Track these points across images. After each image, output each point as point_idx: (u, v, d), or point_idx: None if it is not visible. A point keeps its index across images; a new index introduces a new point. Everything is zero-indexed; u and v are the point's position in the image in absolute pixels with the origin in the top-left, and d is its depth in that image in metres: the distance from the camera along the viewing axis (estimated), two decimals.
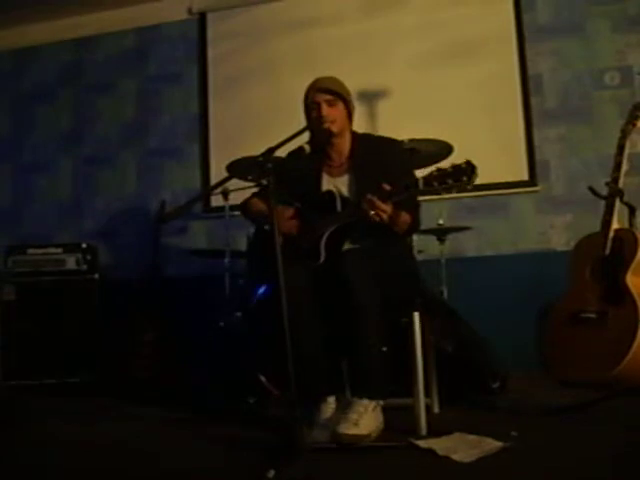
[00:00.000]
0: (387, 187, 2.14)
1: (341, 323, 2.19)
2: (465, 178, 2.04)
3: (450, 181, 2.06)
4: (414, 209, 2.35)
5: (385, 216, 2.16)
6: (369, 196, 2.16)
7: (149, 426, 2.55)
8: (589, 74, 3.95)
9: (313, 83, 2.48)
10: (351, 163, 2.48)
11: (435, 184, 2.09)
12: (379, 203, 2.14)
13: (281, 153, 2.19)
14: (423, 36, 4.17)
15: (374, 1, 4.29)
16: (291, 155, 2.48)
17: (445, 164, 2.11)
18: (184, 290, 4.11)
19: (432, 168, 2.13)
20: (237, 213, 3.57)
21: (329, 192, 2.42)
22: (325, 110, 2.40)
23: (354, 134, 2.54)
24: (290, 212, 2.45)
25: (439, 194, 2.12)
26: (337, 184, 2.46)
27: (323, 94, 2.42)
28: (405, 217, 2.29)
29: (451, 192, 2.11)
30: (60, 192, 4.74)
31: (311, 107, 2.45)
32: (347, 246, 2.35)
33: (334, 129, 2.43)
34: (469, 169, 2.04)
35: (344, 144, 2.51)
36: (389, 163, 2.39)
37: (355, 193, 2.40)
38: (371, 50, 4.20)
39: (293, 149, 2.36)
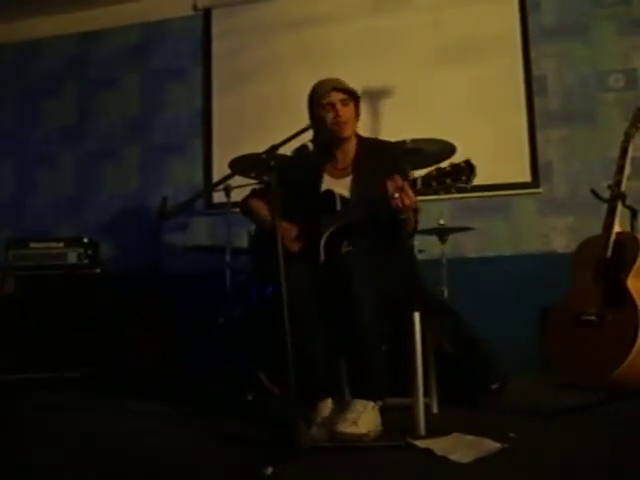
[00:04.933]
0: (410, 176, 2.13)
1: (341, 323, 2.19)
2: (464, 177, 2.03)
3: (449, 181, 2.05)
4: (416, 211, 2.34)
5: (409, 202, 2.11)
6: (396, 177, 2.12)
7: (148, 421, 2.56)
8: (593, 76, 3.95)
9: (324, 83, 2.45)
10: (354, 165, 2.48)
11: (434, 184, 2.08)
12: (407, 188, 2.10)
13: (284, 151, 2.19)
14: (428, 35, 4.17)
15: (380, 0, 4.29)
16: (296, 153, 2.47)
17: (444, 164, 2.10)
18: (184, 286, 4.12)
19: (431, 168, 2.12)
20: (239, 210, 3.60)
21: (329, 192, 2.41)
22: (341, 110, 2.39)
23: (359, 137, 2.54)
24: (295, 231, 2.43)
25: (437, 194, 2.11)
26: (336, 185, 2.44)
27: (338, 93, 2.40)
28: (413, 217, 2.29)
29: (450, 192, 2.09)
30: (63, 186, 4.75)
31: (324, 108, 2.41)
32: (347, 246, 2.34)
33: (347, 134, 2.43)
34: (468, 169, 2.02)
35: (350, 146, 2.50)
36: (389, 166, 2.35)
37: (356, 195, 2.39)
38: (375, 48, 4.20)
39: (297, 147, 2.36)
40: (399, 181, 2.11)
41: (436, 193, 2.10)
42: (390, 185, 2.12)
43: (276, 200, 2.14)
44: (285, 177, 2.32)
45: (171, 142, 4.59)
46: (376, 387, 2.15)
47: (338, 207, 2.35)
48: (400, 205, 2.12)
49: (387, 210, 2.16)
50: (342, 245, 2.32)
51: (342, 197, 2.38)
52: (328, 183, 2.48)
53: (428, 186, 2.09)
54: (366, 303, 2.13)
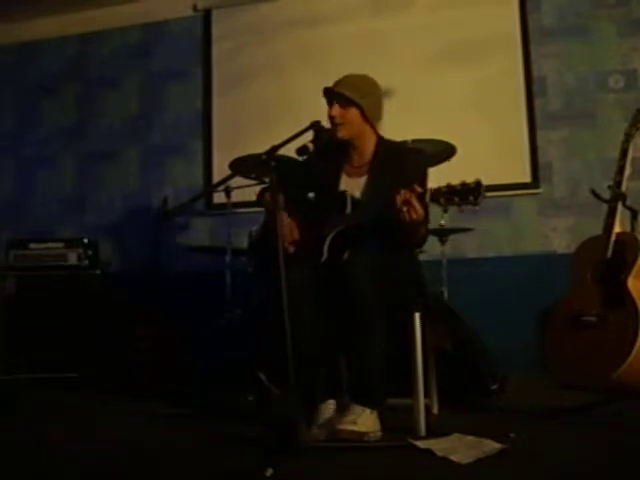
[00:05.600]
0: (419, 189, 2.11)
1: (342, 325, 2.19)
2: (472, 198, 2.04)
3: (457, 199, 2.06)
4: (426, 223, 2.32)
5: (416, 216, 2.11)
6: (404, 191, 2.11)
7: (148, 421, 2.56)
8: (593, 77, 3.95)
9: (332, 85, 2.44)
10: (371, 166, 2.45)
11: (442, 200, 2.09)
12: (415, 201, 2.10)
13: (284, 151, 2.18)
14: (428, 36, 4.17)
15: (380, 0, 4.29)
16: (299, 153, 2.46)
17: (455, 181, 2.09)
18: (185, 286, 4.12)
19: (442, 184, 2.11)
20: (239, 210, 3.61)
21: (342, 192, 2.40)
22: (335, 110, 2.37)
23: (380, 138, 2.50)
24: (296, 233, 2.42)
25: (445, 211, 2.10)
26: (351, 185, 2.43)
27: (333, 95, 2.39)
28: (423, 228, 2.29)
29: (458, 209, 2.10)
30: (63, 187, 4.75)
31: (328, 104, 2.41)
32: (351, 250, 2.34)
33: (341, 134, 2.40)
34: (477, 189, 2.03)
35: (366, 146, 2.46)
36: (406, 172, 2.32)
37: (369, 196, 2.38)
38: (376, 49, 4.20)
39: (298, 147, 2.35)
40: (406, 194, 2.11)
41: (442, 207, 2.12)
42: (397, 198, 2.12)
43: (276, 200, 2.13)
44: (297, 177, 2.32)
45: (171, 142, 4.59)
46: (376, 395, 2.15)
47: (348, 208, 2.35)
48: (407, 218, 2.12)
49: (396, 217, 2.16)
50: (346, 247, 2.32)
51: (353, 199, 2.37)
52: (345, 183, 2.47)
53: (436, 201, 2.10)
54: (369, 305, 2.12)
